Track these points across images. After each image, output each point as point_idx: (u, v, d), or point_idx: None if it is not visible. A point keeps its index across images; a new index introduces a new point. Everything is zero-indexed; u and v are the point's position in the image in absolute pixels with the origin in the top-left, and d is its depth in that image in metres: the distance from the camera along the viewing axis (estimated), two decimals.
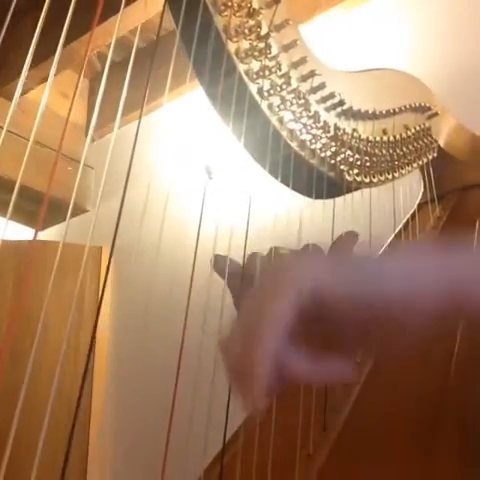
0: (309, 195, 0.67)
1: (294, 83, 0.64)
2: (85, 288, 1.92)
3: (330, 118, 0.68)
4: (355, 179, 0.71)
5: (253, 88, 0.61)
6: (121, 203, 0.47)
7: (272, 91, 0.62)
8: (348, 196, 0.72)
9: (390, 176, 0.76)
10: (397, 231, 0.85)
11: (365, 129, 0.72)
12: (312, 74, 0.65)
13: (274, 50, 0.62)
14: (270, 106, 0.62)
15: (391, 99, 0.76)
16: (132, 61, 0.55)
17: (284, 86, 0.63)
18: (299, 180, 0.66)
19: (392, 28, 1.71)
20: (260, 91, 0.61)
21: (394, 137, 0.76)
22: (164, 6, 0.57)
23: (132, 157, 0.49)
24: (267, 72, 0.61)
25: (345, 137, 0.70)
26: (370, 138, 0.73)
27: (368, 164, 0.73)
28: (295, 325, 0.37)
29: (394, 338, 0.40)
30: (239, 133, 0.59)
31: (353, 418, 0.48)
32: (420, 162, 0.81)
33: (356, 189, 0.73)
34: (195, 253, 0.55)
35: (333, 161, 0.69)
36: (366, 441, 0.45)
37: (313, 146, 0.67)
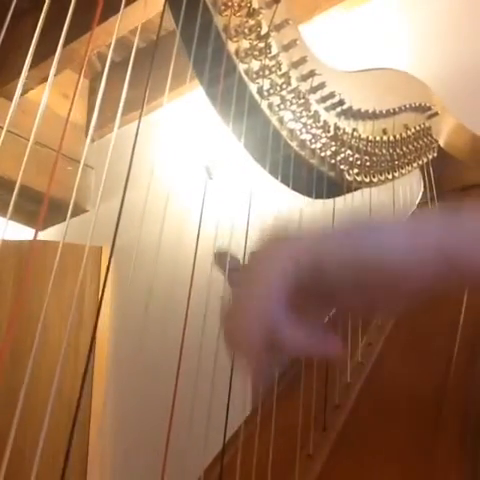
0: (309, 195, 0.67)
1: (294, 83, 0.64)
2: (85, 288, 1.92)
3: (330, 118, 0.68)
4: (355, 179, 0.71)
5: (253, 88, 0.61)
6: (121, 203, 0.47)
7: (272, 91, 0.62)
8: (348, 196, 0.72)
9: (390, 176, 0.76)
10: None
11: (365, 129, 0.72)
12: (312, 74, 0.65)
13: (274, 50, 0.62)
14: (270, 106, 0.62)
15: (391, 99, 0.76)
16: (132, 61, 0.55)
17: (284, 86, 0.63)
18: (299, 180, 0.66)
19: (392, 28, 1.71)
20: (260, 91, 0.61)
21: (394, 137, 0.76)
22: (164, 6, 0.57)
23: (132, 157, 0.49)
24: (267, 72, 0.61)
25: (345, 137, 0.70)
26: (370, 138, 0.73)
27: (368, 164, 0.73)
28: (292, 297, 0.38)
29: (393, 304, 0.40)
30: (239, 133, 0.59)
31: (353, 418, 0.48)
32: (420, 162, 0.81)
33: (356, 189, 0.73)
34: (195, 253, 0.55)
35: (333, 161, 0.69)
36: (366, 441, 0.45)
37: (313, 146, 0.67)
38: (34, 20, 1.52)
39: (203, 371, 0.53)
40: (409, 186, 0.88)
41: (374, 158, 0.74)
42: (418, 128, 0.80)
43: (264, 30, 0.61)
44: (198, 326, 0.52)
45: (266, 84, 0.61)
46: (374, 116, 0.73)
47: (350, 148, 0.70)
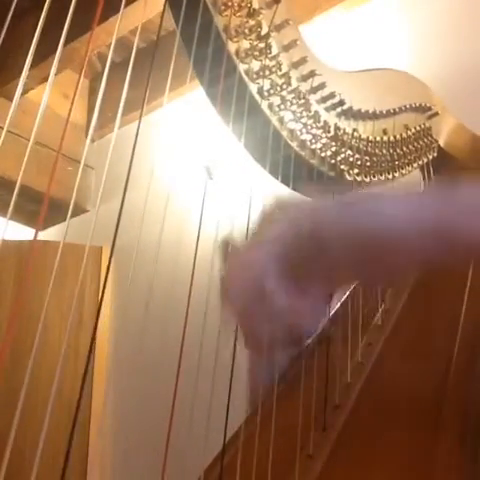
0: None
1: (294, 83, 0.64)
2: (85, 288, 1.92)
3: (330, 118, 0.68)
4: (355, 179, 0.71)
5: (253, 88, 0.61)
6: (121, 203, 0.47)
7: (272, 91, 0.62)
8: None
9: (390, 176, 0.76)
10: None
11: (365, 129, 0.72)
12: (312, 74, 0.65)
13: (274, 50, 0.62)
14: (270, 106, 0.62)
15: (391, 99, 0.76)
16: (132, 61, 0.55)
17: (284, 86, 0.63)
18: (299, 180, 0.66)
19: (392, 28, 1.71)
20: (260, 91, 0.61)
21: (394, 137, 0.76)
22: (164, 6, 0.57)
23: (132, 157, 0.49)
24: (267, 72, 0.62)
25: (345, 137, 0.70)
26: (370, 138, 0.73)
27: (368, 164, 0.73)
28: (291, 263, 0.39)
29: (391, 276, 0.41)
30: (239, 133, 0.59)
31: (353, 418, 0.48)
32: (420, 162, 0.82)
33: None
34: (195, 253, 0.55)
35: (333, 161, 0.69)
36: (366, 441, 0.45)
37: (313, 146, 0.67)
38: (34, 20, 1.52)
39: (203, 371, 0.53)
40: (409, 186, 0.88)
41: (374, 158, 0.74)
42: (418, 128, 0.80)
43: (264, 30, 0.61)
44: (198, 326, 0.52)
45: (266, 84, 0.61)
46: (374, 116, 0.73)
47: (350, 148, 0.70)
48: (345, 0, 1.76)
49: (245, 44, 0.60)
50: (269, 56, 0.62)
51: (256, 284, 0.41)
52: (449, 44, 1.58)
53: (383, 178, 0.75)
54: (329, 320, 0.61)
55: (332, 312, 0.62)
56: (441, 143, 0.86)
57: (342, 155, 0.70)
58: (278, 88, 0.62)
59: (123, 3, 0.65)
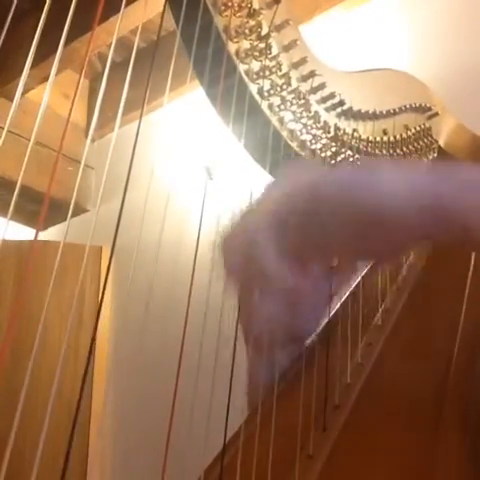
0: None
1: (294, 83, 0.64)
2: (85, 288, 1.92)
3: (330, 118, 0.68)
4: None
5: (253, 88, 0.61)
6: (121, 203, 0.47)
7: (272, 91, 0.62)
8: None
9: None
10: None
11: (365, 129, 0.72)
12: (312, 74, 0.65)
13: (274, 50, 0.62)
14: (270, 106, 0.62)
15: (391, 99, 0.76)
16: (134, 61, 0.55)
17: (284, 86, 0.63)
18: None
19: (392, 28, 1.71)
20: (260, 91, 0.61)
21: (394, 137, 0.76)
22: (164, 6, 0.57)
23: (132, 157, 0.49)
24: (267, 72, 0.62)
25: (345, 137, 0.70)
26: (370, 138, 0.73)
27: None
28: (288, 235, 0.40)
29: (381, 242, 0.41)
30: (239, 133, 0.59)
31: (353, 418, 0.48)
32: (420, 162, 0.82)
33: None
34: (195, 253, 0.55)
35: (333, 161, 0.69)
36: (366, 441, 0.45)
37: (313, 146, 0.67)
38: (34, 21, 1.52)
39: (203, 371, 0.53)
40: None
41: (374, 159, 0.74)
42: (418, 128, 0.80)
43: (264, 31, 0.61)
44: (198, 326, 0.52)
45: (266, 85, 0.61)
46: (374, 117, 0.73)
47: (350, 149, 0.71)
48: (345, 0, 1.76)
49: (245, 44, 0.60)
50: (269, 56, 0.62)
51: (254, 261, 0.42)
52: (449, 44, 1.58)
53: None
54: (329, 320, 0.61)
55: (332, 312, 0.62)
56: (441, 143, 0.86)
57: (342, 155, 0.70)
58: (278, 88, 0.62)
59: (123, 3, 0.65)
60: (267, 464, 0.44)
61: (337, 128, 0.69)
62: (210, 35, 0.57)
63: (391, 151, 0.75)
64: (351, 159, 0.71)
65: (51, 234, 1.84)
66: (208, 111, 0.61)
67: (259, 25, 0.61)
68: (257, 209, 0.43)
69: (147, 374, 1.56)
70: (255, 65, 0.61)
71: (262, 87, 0.61)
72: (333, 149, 0.69)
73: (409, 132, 0.79)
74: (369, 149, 0.73)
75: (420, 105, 0.80)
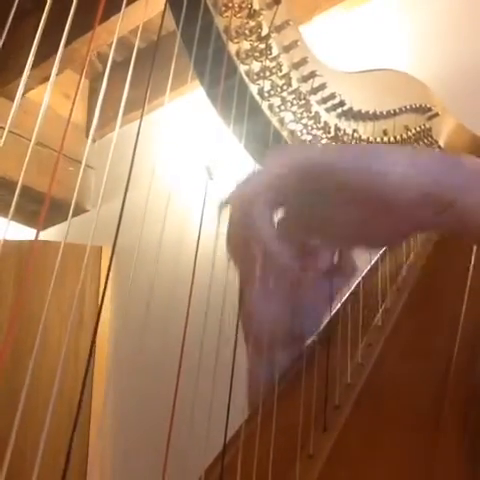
0: None
1: (295, 84, 0.64)
2: (85, 288, 1.92)
3: (331, 119, 0.68)
4: None
5: (254, 89, 0.61)
6: (122, 203, 0.47)
7: (273, 92, 0.62)
8: None
9: None
10: None
11: (366, 130, 0.72)
12: (313, 75, 0.65)
13: (275, 51, 0.62)
14: (271, 107, 0.62)
15: (392, 100, 0.76)
16: (134, 61, 0.55)
17: (285, 87, 0.63)
18: None
19: (392, 28, 1.71)
20: (261, 92, 0.61)
21: (395, 138, 0.76)
22: (165, 6, 0.57)
23: (133, 157, 0.49)
24: (268, 73, 0.62)
25: (346, 138, 0.70)
26: (371, 139, 0.73)
27: None
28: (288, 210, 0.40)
29: (381, 221, 0.41)
30: (240, 134, 0.59)
31: (353, 418, 0.48)
32: None
33: None
34: (196, 252, 0.55)
35: None
36: (366, 441, 0.45)
37: None
38: (35, 21, 1.52)
39: (204, 371, 0.53)
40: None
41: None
42: (418, 129, 0.80)
43: (265, 31, 0.61)
44: (199, 325, 0.53)
45: (267, 85, 0.61)
46: (374, 117, 0.73)
47: None
48: (345, 0, 1.76)
49: (246, 45, 0.60)
50: (269, 57, 0.62)
51: (256, 240, 0.43)
52: (449, 44, 1.58)
53: None
54: (330, 320, 0.61)
55: (333, 312, 0.62)
56: (441, 144, 0.86)
57: None
58: (278, 89, 0.62)
59: (124, 2, 0.65)
60: (268, 464, 0.44)
61: (337, 128, 0.69)
62: (210, 36, 0.57)
63: None
64: None
65: (51, 234, 1.84)
66: (209, 111, 0.61)
67: (259, 26, 0.61)
68: (256, 180, 0.43)
69: (147, 374, 1.56)
70: (255, 66, 0.61)
71: (262, 88, 0.61)
72: None
73: (409, 132, 0.79)
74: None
75: (420, 106, 0.80)
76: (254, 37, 0.61)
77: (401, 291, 0.65)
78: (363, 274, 0.68)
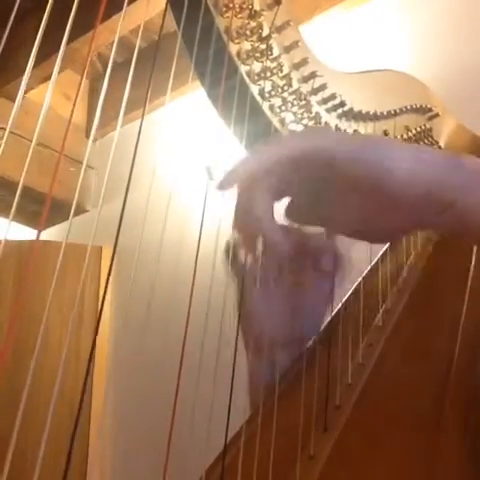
0: None
1: (295, 84, 0.64)
2: (85, 288, 1.92)
3: (331, 119, 0.68)
4: None
5: (255, 89, 0.61)
6: (123, 203, 0.47)
7: (273, 92, 0.62)
8: None
9: None
10: None
11: (366, 130, 0.72)
12: (313, 75, 0.65)
13: (275, 51, 0.62)
14: (272, 107, 0.62)
15: (392, 100, 0.76)
16: (135, 61, 0.55)
17: (285, 87, 0.63)
18: None
19: (392, 28, 1.71)
20: (261, 92, 0.61)
21: (395, 138, 0.76)
22: (166, 7, 0.57)
23: (134, 156, 0.49)
24: (268, 73, 0.62)
25: None
26: None
27: None
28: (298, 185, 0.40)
29: (383, 214, 0.42)
30: (241, 135, 0.59)
31: (354, 419, 0.48)
32: None
33: None
34: (197, 252, 0.55)
35: None
36: (367, 442, 0.46)
37: None
38: (36, 20, 1.53)
39: (205, 371, 0.53)
40: None
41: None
42: (419, 129, 0.80)
43: (265, 32, 0.61)
44: (200, 326, 0.53)
45: (267, 86, 0.61)
46: (375, 117, 0.73)
47: None
48: (345, 0, 1.76)
49: (246, 46, 0.60)
50: (270, 57, 0.62)
51: (255, 226, 0.43)
52: (449, 44, 1.58)
53: None
54: (330, 320, 0.61)
55: (333, 313, 0.62)
56: (442, 144, 0.86)
57: None
58: (279, 89, 0.62)
59: (126, 2, 0.65)
60: (268, 464, 0.44)
61: (338, 129, 0.69)
62: (211, 36, 0.57)
63: None
64: None
65: (51, 234, 1.84)
66: (209, 111, 0.61)
67: (260, 26, 0.61)
68: (255, 164, 0.44)
69: (147, 374, 1.56)
70: (256, 66, 0.61)
71: (263, 88, 0.61)
72: None
73: (410, 133, 0.79)
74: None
75: (421, 106, 0.80)
76: (255, 38, 0.61)
77: (402, 292, 0.65)
78: (364, 274, 0.68)
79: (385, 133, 0.75)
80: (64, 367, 1.32)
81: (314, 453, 0.45)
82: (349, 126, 0.70)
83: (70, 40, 0.52)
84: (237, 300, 0.56)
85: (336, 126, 0.69)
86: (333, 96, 0.67)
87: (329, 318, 0.62)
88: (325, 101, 0.67)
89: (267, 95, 0.62)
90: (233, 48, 0.59)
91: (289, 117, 0.64)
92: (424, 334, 0.57)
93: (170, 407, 0.47)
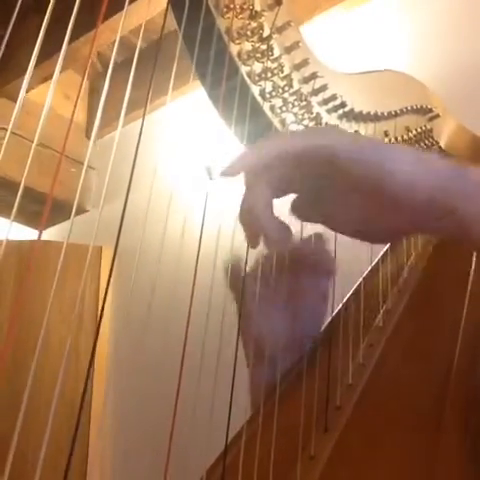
0: None
1: (296, 85, 0.64)
2: (85, 288, 1.92)
3: (332, 120, 0.68)
4: None
5: (255, 90, 0.61)
6: (125, 203, 0.47)
7: (274, 93, 0.62)
8: None
9: None
10: None
11: (367, 131, 0.72)
12: (314, 76, 0.65)
13: (276, 52, 0.62)
14: (272, 108, 0.62)
15: (392, 101, 0.76)
16: (136, 61, 0.55)
17: (286, 88, 0.63)
18: None
19: (392, 28, 1.71)
20: (262, 93, 0.61)
21: (396, 139, 0.76)
22: (167, 6, 0.57)
23: (136, 156, 0.49)
24: (269, 74, 0.62)
25: None
26: None
27: None
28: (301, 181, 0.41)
29: (384, 215, 0.42)
30: (241, 135, 0.59)
31: (355, 419, 0.48)
32: None
33: None
34: (198, 254, 0.55)
35: None
36: (368, 442, 0.46)
37: None
38: (37, 20, 1.53)
39: (205, 371, 0.53)
40: None
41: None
42: (419, 130, 0.81)
43: (266, 32, 0.61)
44: (201, 326, 0.53)
45: (268, 86, 0.61)
46: (375, 118, 0.73)
47: None
48: (345, 0, 1.76)
49: (247, 46, 0.60)
50: (271, 58, 0.62)
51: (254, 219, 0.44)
52: (449, 44, 1.58)
53: None
54: (331, 321, 0.61)
55: (334, 313, 0.62)
56: (442, 145, 0.86)
57: None
58: (280, 90, 0.62)
59: (127, 1, 0.65)
60: (269, 464, 0.44)
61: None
62: (212, 37, 0.57)
63: None
64: None
65: (50, 234, 1.84)
66: (211, 110, 0.61)
67: (261, 27, 0.61)
68: (254, 158, 0.44)
69: (147, 374, 1.56)
70: (257, 67, 0.61)
71: (264, 89, 0.61)
72: None
73: (410, 134, 0.79)
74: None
75: (421, 107, 0.81)
76: (256, 38, 0.61)
77: (402, 292, 0.65)
78: (364, 275, 0.68)
79: (386, 134, 0.75)
80: (65, 368, 1.32)
81: (315, 453, 0.45)
82: (350, 127, 0.70)
83: (71, 40, 0.52)
84: (237, 313, 0.57)
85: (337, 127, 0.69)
86: (334, 97, 0.68)
87: (330, 319, 0.62)
88: (326, 102, 0.67)
89: (268, 96, 0.62)
90: (234, 49, 0.59)
91: (290, 118, 0.64)
92: (425, 334, 0.57)
93: (170, 407, 0.47)
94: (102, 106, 0.53)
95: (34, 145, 0.48)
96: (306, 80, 0.65)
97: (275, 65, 0.62)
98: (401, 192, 0.40)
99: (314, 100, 0.66)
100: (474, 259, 0.61)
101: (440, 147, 0.85)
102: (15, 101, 1.91)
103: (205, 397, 0.54)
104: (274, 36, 0.62)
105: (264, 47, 0.61)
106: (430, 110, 0.82)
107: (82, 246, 0.92)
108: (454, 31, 1.59)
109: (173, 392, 0.47)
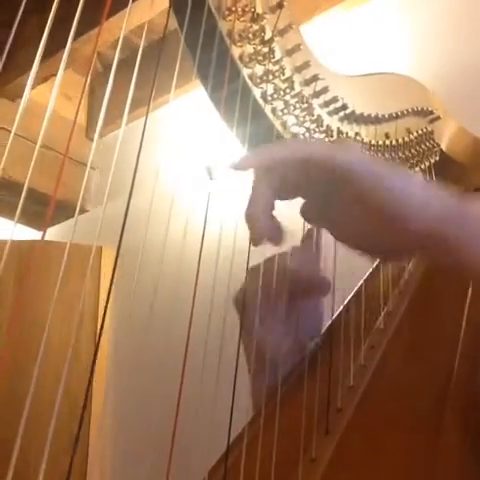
0: None
1: (297, 87, 0.64)
2: (86, 289, 1.92)
3: (333, 122, 0.68)
4: None
5: (257, 92, 0.61)
6: (127, 203, 0.47)
7: (276, 95, 0.62)
8: None
9: None
10: None
11: (368, 133, 0.72)
12: (315, 78, 0.65)
13: (278, 54, 0.63)
14: (274, 110, 0.63)
15: (393, 103, 0.76)
16: (139, 60, 0.55)
17: (288, 90, 0.63)
18: None
19: (392, 28, 1.71)
20: (264, 95, 0.61)
21: (396, 141, 0.76)
22: (170, 4, 0.57)
23: (138, 156, 0.49)
24: (271, 76, 0.62)
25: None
26: (373, 142, 0.73)
27: None
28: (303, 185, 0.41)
29: (386, 231, 0.42)
30: (243, 137, 0.59)
31: (356, 421, 0.48)
32: (422, 166, 0.82)
33: None
34: (200, 254, 0.55)
35: None
36: (368, 445, 0.46)
37: None
38: (37, 20, 1.52)
39: (207, 372, 0.53)
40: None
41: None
42: (420, 132, 0.81)
43: (268, 35, 0.61)
44: (203, 326, 0.53)
45: (270, 89, 0.62)
46: (376, 120, 0.73)
47: None
48: (345, 0, 1.76)
49: (249, 49, 0.60)
50: (272, 61, 0.62)
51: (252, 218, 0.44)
52: (449, 44, 1.58)
53: None
54: (332, 323, 0.62)
55: (335, 315, 0.62)
56: (443, 147, 0.86)
57: None
58: (281, 92, 0.63)
59: (130, 1, 0.64)
60: (270, 466, 0.44)
61: (340, 132, 0.69)
62: (214, 39, 0.58)
63: (393, 154, 0.76)
64: None
65: (50, 234, 1.83)
66: (212, 110, 0.61)
67: (262, 29, 0.61)
68: (258, 159, 0.44)
69: (147, 374, 1.56)
70: (259, 69, 0.61)
71: (265, 91, 0.61)
72: None
73: (411, 136, 0.79)
74: (371, 153, 0.73)
75: (422, 109, 0.81)
76: (257, 41, 0.61)
77: (403, 294, 0.65)
78: (365, 277, 0.68)
79: (387, 136, 0.75)
80: (65, 368, 1.32)
81: (316, 455, 0.45)
82: (351, 129, 0.70)
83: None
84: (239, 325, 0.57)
85: (338, 129, 0.69)
86: (335, 99, 0.68)
87: (331, 321, 0.62)
88: (327, 104, 0.68)
89: (269, 98, 0.62)
90: (235, 51, 0.59)
91: (291, 120, 0.64)
92: (426, 336, 0.57)
93: (171, 407, 0.47)
94: (106, 105, 0.53)
95: (38, 147, 0.49)
96: (307, 82, 0.65)
97: (276, 67, 0.62)
98: (411, 215, 0.41)
99: (315, 102, 0.66)
100: None
101: (441, 149, 0.85)
102: (15, 101, 1.91)
103: (207, 398, 0.54)
104: (276, 39, 0.62)
105: (266, 50, 0.61)
106: (431, 112, 0.82)
107: (83, 246, 0.92)
108: (454, 31, 1.59)
109: (174, 392, 0.47)
